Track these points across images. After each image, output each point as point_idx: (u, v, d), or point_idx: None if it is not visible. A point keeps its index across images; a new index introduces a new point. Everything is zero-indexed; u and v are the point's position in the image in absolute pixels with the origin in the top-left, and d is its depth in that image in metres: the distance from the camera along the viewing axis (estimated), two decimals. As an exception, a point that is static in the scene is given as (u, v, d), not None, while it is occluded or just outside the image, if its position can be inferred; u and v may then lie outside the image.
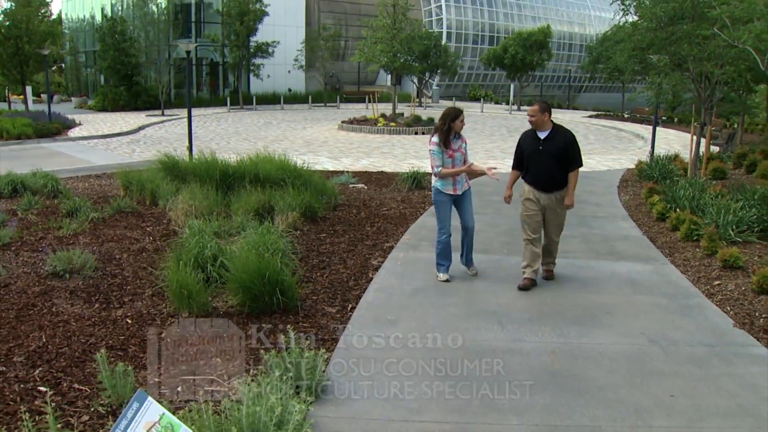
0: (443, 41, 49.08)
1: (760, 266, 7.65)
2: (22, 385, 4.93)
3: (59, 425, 4.01)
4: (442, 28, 56.68)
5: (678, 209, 10.78)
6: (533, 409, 4.69)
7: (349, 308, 6.71)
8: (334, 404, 4.67)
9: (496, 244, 9.32)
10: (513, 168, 7.86)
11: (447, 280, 7.64)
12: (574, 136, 7.53)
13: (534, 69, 46.38)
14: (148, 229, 9.99)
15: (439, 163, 7.52)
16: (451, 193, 7.63)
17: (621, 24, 15.57)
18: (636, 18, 14.67)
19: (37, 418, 4.35)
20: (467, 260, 7.99)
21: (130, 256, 8.44)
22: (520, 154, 7.69)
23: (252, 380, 4.26)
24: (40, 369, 5.22)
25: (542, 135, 7.42)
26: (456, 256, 7.98)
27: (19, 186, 12.79)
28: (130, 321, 6.25)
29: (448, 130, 7.48)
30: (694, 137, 14.79)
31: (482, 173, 7.71)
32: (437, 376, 5.18)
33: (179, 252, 7.22)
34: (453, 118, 7.51)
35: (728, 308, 6.85)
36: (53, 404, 4.55)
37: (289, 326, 5.43)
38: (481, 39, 59.66)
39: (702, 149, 15.53)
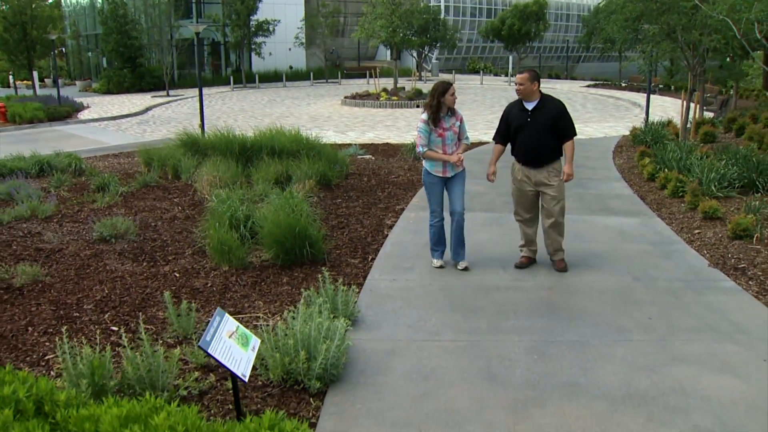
0: (442, 15, 49.58)
1: (736, 216, 8.48)
2: (96, 326, 5.79)
3: (136, 354, 4.82)
4: (440, 2, 57.06)
5: (666, 169, 11.60)
6: (532, 330, 5.57)
7: (369, 259, 7.57)
8: (366, 330, 5.56)
9: (498, 203, 10.13)
10: (495, 141, 7.32)
11: (441, 267, 7.21)
12: (564, 105, 7.03)
13: (531, 40, 46.97)
14: (175, 200, 10.81)
15: (425, 142, 6.93)
16: (440, 175, 7.06)
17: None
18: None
19: (117, 350, 5.19)
20: (455, 253, 7.24)
21: (165, 223, 9.28)
22: (505, 127, 7.14)
23: (302, 307, 5.13)
24: (109, 314, 6.09)
25: (530, 106, 6.90)
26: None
27: (45, 166, 13.54)
28: (178, 275, 7.12)
29: (438, 105, 6.85)
30: (684, 103, 15.59)
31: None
32: (451, 308, 6.07)
33: (215, 214, 8.06)
34: (442, 92, 6.83)
35: (705, 252, 7.70)
36: (127, 338, 5.42)
37: (323, 268, 6.31)
38: (479, 12, 59.99)
39: (695, 114, 16.32)
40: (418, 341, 5.36)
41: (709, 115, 22.06)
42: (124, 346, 4.64)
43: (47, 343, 5.44)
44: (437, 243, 7.25)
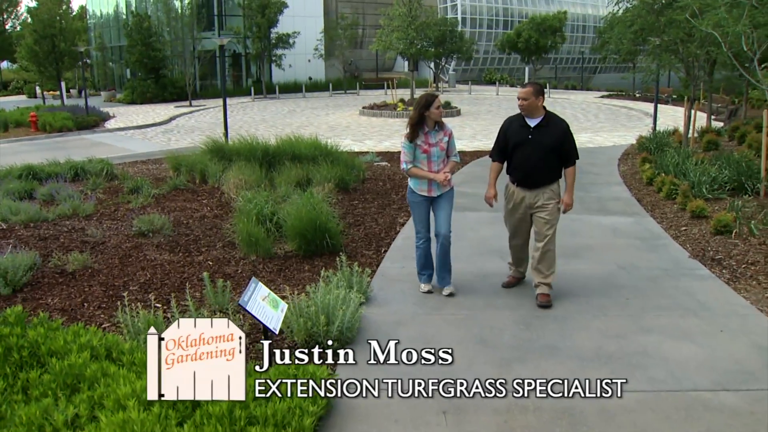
0: (459, 27, 50.49)
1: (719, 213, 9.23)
2: (142, 303, 6.63)
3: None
4: (456, 14, 58.00)
5: (664, 174, 12.34)
6: (522, 306, 6.39)
7: (382, 251, 8.40)
8: (377, 306, 6.39)
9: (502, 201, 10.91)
10: (493, 159, 6.81)
11: (429, 291, 6.83)
12: (568, 126, 6.54)
13: (548, 52, 47.72)
14: (204, 201, 11.68)
15: (409, 158, 6.50)
16: (425, 194, 6.65)
17: (615, 12, 17.10)
18: (630, 4, 16.22)
19: (165, 317, 6.02)
20: (440, 278, 6.87)
21: (195, 221, 10.15)
22: (503, 143, 6.64)
23: (321, 284, 5.97)
24: (152, 293, 6.93)
25: (532, 123, 6.40)
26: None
27: (80, 171, 14.48)
28: (211, 263, 7.98)
29: (420, 119, 6.43)
30: (686, 112, 16.34)
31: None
32: (454, 290, 6.85)
33: (243, 211, 8.91)
34: (426, 105, 6.38)
35: (688, 246, 8.46)
36: (169, 313, 6.26)
37: (341, 254, 7.16)
38: (496, 23, 60.92)
39: (693, 123, 17.07)
40: (422, 315, 6.20)
41: (719, 124, 22.71)
42: (172, 314, 5.47)
43: (102, 315, 6.32)
44: (424, 266, 6.88)
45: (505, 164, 6.74)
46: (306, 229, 7.95)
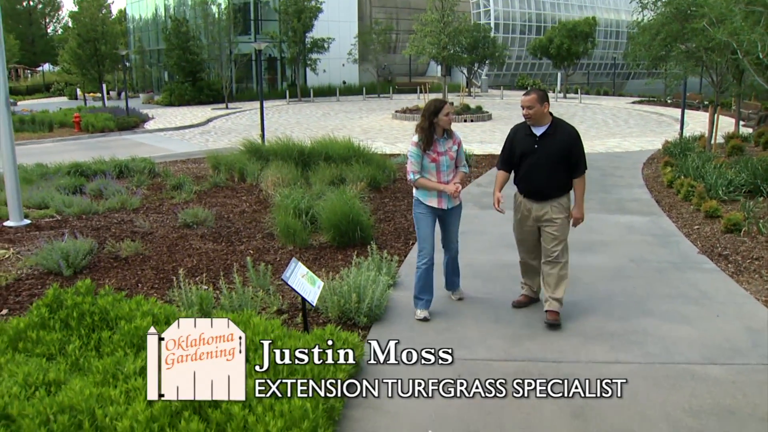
0: (491, 33, 50.90)
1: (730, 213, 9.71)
2: (192, 285, 7.31)
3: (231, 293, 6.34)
4: (489, 20, 58.42)
5: (683, 177, 12.80)
6: (536, 292, 6.95)
7: (410, 243, 9.01)
8: (404, 290, 7.00)
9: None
10: (499, 168, 6.50)
11: (425, 319, 6.22)
12: (578, 133, 6.15)
13: (579, 58, 47.94)
14: (243, 198, 12.39)
15: (417, 168, 6.12)
16: (435, 206, 6.25)
17: (639, 20, 17.56)
18: (655, 13, 16.68)
19: (216, 295, 6.69)
20: (449, 282, 6.78)
21: (236, 215, 10.85)
22: (509, 153, 6.29)
23: (353, 268, 6.61)
24: (199, 277, 7.62)
25: (538, 131, 6.05)
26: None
27: (124, 168, 15.33)
28: (252, 252, 8.66)
29: (431, 127, 6.10)
30: (709, 117, 16.75)
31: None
32: (474, 276, 7.47)
33: (281, 205, 9.59)
34: (435, 111, 6.07)
35: (699, 243, 8.96)
36: (217, 291, 6.93)
37: (372, 242, 7.80)
38: (528, 29, 61.12)
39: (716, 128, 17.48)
40: (444, 297, 6.80)
41: (749, 130, 22.96)
42: (220, 291, 6.14)
43: (155, 294, 7.02)
44: (423, 289, 6.31)
45: (513, 174, 6.41)
46: (340, 221, 8.60)
